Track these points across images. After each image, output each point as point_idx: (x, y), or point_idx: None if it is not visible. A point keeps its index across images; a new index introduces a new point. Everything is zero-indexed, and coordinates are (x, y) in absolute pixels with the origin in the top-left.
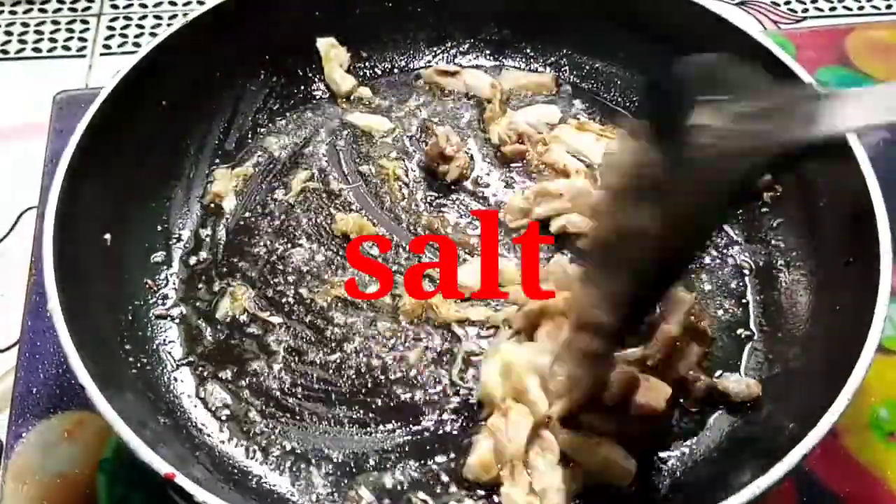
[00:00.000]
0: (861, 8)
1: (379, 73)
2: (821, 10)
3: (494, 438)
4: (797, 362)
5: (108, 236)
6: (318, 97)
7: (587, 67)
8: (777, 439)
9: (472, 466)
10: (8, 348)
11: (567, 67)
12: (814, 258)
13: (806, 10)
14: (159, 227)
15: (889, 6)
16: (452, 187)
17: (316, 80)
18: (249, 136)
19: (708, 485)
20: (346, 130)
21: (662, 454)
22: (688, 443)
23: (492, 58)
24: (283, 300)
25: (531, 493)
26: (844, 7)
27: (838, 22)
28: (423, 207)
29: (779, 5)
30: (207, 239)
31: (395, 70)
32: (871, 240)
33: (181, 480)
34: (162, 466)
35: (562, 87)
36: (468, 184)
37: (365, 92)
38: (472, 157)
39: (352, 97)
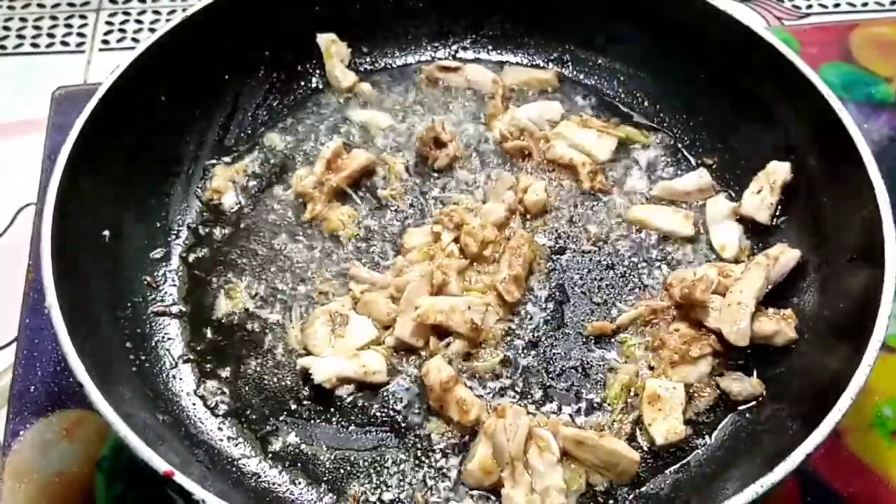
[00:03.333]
0: (864, 4)
1: (380, 68)
2: (824, 6)
3: (493, 440)
4: (801, 360)
5: (106, 233)
6: (318, 93)
7: (590, 63)
8: (780, 438)
9: (473, 472)
10: (5, 346)
11: (570, 63)
12: (818, 255)
13: (810, 7)
14: (158, 224)
15: (893, 3)
16: (454, 188)
17: (316, 75)
18: (249, 131)
19: (711, 483)
20: (346, 126)
21: (665, 453)
22: (691, 441)
23: (494, 53)
24: (283, 297)
25: (532, 493)
26: (848, 3)
27: (842, 18)
28: (422, 202)
29: (783, 2)
30: (206, 235)
31: (397, 65)
32: (876, 237)
33: (180, 478)
34: (161, 464)
35: (564, 83)
36: (468, 181)
37: (366, 87)
38: (476, 152)
39: (352, 93)
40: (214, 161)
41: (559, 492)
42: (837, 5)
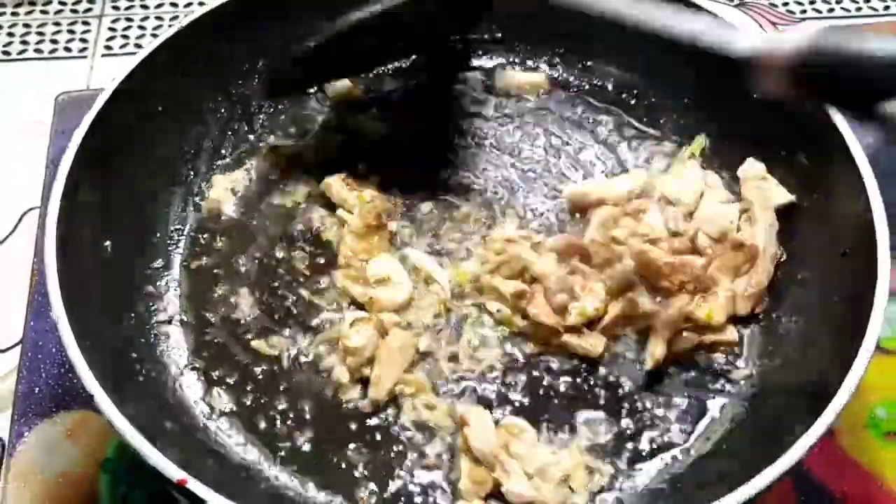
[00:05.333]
0: (859, 9)
1: (372, 73)
2: (819, 11)
3: (471, 452)
4: (796, 354)
5: (108, 243)
6: (315, 100)
7: (580, 66)
8: (777, 436)
9: (469, 489)
10: (10, 348)
11: (560, 66)
12: (812, 253)
13: (804, 12)
14: (159, 233)
15: (887, 7)
16: (451, 189)
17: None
18: (246, 139)
19: (706, 483)
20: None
21: (663, 451)
22: (688, 442)
23: (485, 58)
24: (285, 303)
25: (531, 478)
26: (842, 8)
27: (837, 23)
28: (418, 207)
29: (777, 6)
30: (207, 244)
31: (391, 69)
32: (868, 239)
33: (193, 485)
34: (175, 473)
35: (555, 86)
36: (466, 182)
37: (359, 94)
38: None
39: (348, 100)
40: (213, 169)
41: (555, 466)
42: (832, 10)
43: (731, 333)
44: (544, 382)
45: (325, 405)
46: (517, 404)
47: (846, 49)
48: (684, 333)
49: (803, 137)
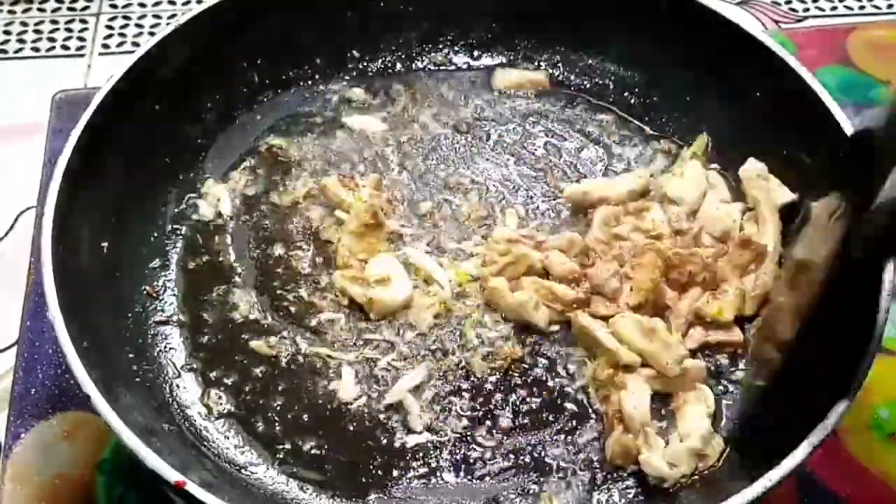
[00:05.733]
0: (862, 7)
1: (371, 73)
2: (822, 9)
3: (621, 414)
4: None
5: (105, 243)
6: (312, 99)
7: (581, 64)
8: (779, 439)
9: (615, 452)
10: (6, 349)
11: (560, 64)
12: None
13: (807, 10)
14: (156, 233)
15: (890, 6)
16: (451, 189)
17: (309, 82)
18: (245, 138)
19: (711, 484)
20: (340, 131)
21: None
22: None
23: (485, 56)
24: (283, 303)
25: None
26: (845, 7)
27: (839, 21)
28: (418, 207)
29: (780, 5)
30: (204, 244)
31: (388, 70)
32: None
33: (191, 487)
34: (172, 475)
35: (555, 84)
36: (465, 181)
37: (358, 93)
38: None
39: (345, 98)
40: (210, 169)
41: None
42: (835, 8)
43: (737, 334)
44: (548, 383)
45: (324, 406)
46: (520, 404)
47: None
48: (690, 331)
49: (805, 136)
